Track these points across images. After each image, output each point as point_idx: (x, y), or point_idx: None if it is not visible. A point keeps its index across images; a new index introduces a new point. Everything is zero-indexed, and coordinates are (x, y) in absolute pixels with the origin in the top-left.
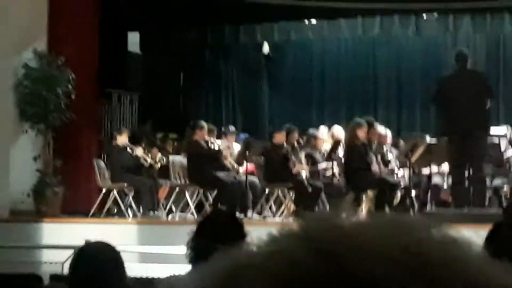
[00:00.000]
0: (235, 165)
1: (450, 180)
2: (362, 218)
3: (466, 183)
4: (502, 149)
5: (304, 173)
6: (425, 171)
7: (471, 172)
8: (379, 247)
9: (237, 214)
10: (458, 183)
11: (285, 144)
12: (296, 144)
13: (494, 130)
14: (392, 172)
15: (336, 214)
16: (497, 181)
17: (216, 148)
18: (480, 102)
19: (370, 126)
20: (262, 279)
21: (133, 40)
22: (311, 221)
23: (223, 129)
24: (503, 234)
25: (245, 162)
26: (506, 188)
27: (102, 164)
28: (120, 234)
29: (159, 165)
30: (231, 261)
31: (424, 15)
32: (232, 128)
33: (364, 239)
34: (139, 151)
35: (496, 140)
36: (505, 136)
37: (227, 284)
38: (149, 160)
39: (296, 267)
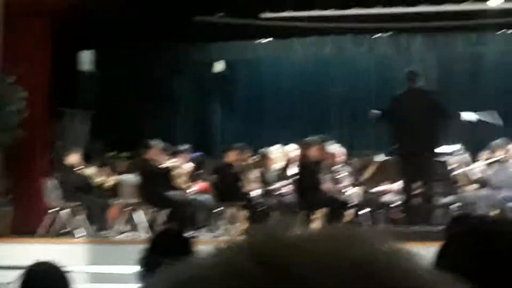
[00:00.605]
0: (187, 184)
1: (401, 198)
2: (309, 231)
3: (416, 201)
4: (451, 167)
5: (256, 192)
6: (377, 189)
7: (421, 190)
8: (326, 258)
9: (189, 232)
10: (408, 201)
11: (237, 163)
12: (248, 162)
13: (443, 148)
14: (344, 190)
15: (283, 227)
16: (447, 199)
17: (168, 167)
18: (431, 121)
19: (322, 144)
20: None
21: (86, 58)
22: (257, 234)
23: (175, 148)
24: (451, 251)
25: (197, 181)
26: (455, 205)
27: (52, 183)
28: (71, 254)
29: (111, 183)
30: (176, 275)
31: (377, 35)
32: (185, 146)
33: (311, 251)
34: (90, 171)
35: (445, 159)
36: (454, 154)
37: None
38: (99, 179)
39: (242, 279)
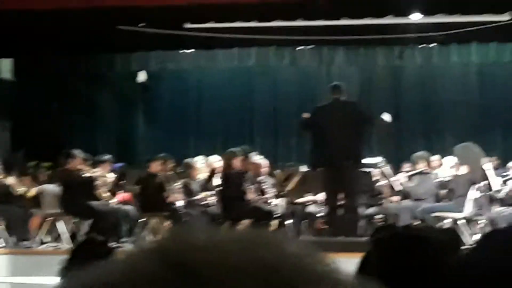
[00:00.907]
0: (109, 194)
1: (324, 209)
2: (220, 234)
3: (340, 212)
4: (374, 179)
5: (180, 203)
6: (301, 200)
7: (345, 202)
8: (234, 259)
9: (111, 243)
10: (332, 212)
11: (160, 173)
12: (172, 173)
13: (367, 160)
14: (267, 201)
15: (193, 231)
16: (370, 210)
17: (90, 177)
18: (354, 131)
19: (246, 155)
20: None
21: (5, 67)
22: (167, 238)
23: (97, 158)
24: (376, 255)
25: (120, 191)
26: (378, 217)
27: None
28: None
29: (32, 193)
30: (85, 280)
31: (299, 47)
32: (107, 156)
33: (220, 252)
34: (10, 180)
35: (368, 170)
36: (377, 166)
37: None
38: (20, 189)
39: (151, 281)
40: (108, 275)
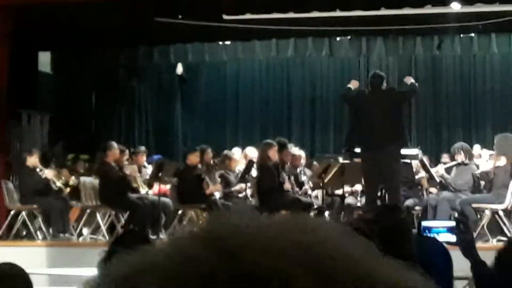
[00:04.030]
0: (147, 187)
1: (363, 200)
2: (262, 219)
3: (379, 203)
4: (414, 170)
5: (218, 194)
6: (338, 191)
7: (385, 194)
8: (275, 244)
9: (150, 235)
10: (371, 203)
11: (199, 165)
12: (210, 164)
13: (406, 151)
14: (305, 192)
15: (236, 215)
16: (409, 202)
17: (127, 170)
18: (395, 118)
19: (283, 147)
20: (162, 278)
21: (45, 59)
22: (211, 222)
23: (135, 150)
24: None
25: (157, 183)
26: (417, 208)
27: (10, 185)
28: (30, 256)
29: (70, 186)
30: (131, 263)
31: (338, 38)
32: (145, 149)
33: (262, 237)
34: (49, 174)
35: (408, 161)
36: (416, 157)
37: (126, 286)
38: (58, 183)
39: (196, 265)
40: (153, 258)
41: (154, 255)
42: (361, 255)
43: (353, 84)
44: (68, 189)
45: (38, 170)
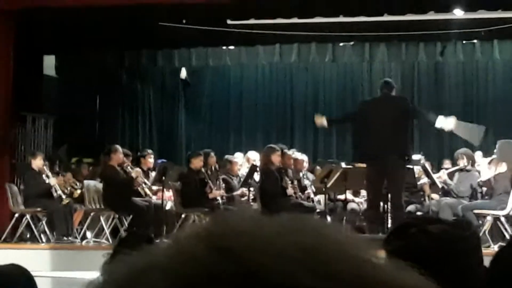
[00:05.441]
0: (151, 191)
1: (365, 205)
2: (263, 219)
3: (382, 208)
4: (416, 175)
5: (221, 198)
6: (341, 196)
7: (389, 199)
8: (277, 244)
9: (153, 239)
10: (373, 208)
11: (202, 169)
12: (213, 168)
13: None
14: (308, 197)
15: (238, 215)
16: (411, 207)
17: (132, 173)
18: (403, 126)
19: (285, 151)
20: (164, 278)
21: (49, 63)
22: (212, 222)
23: (139, 154)
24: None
25: (161, 187)
26: (419, 214)
27: (15, 188)
28: (33, 259)
29: (74, 189)
30: (132, 263)
31: (341, 43)
32: (149, 152)
33: (262, 236)
34: (52, 181)
35: (411, 167)
36: (419, 163)
37: (128, 286)
38: (59, 192)
39: (197, 265)
40: (155, 258)
41: (156, 255)
42: (366, 257)
43: (317, 120)
44: (67, 200)
45: (44, 176)
